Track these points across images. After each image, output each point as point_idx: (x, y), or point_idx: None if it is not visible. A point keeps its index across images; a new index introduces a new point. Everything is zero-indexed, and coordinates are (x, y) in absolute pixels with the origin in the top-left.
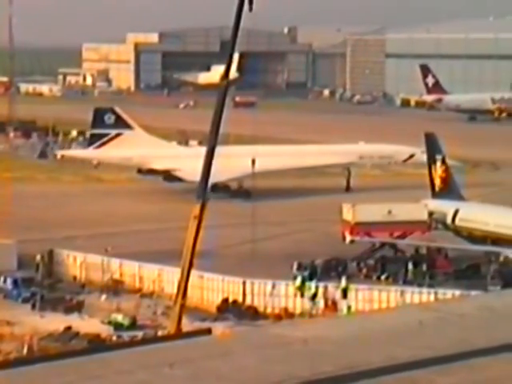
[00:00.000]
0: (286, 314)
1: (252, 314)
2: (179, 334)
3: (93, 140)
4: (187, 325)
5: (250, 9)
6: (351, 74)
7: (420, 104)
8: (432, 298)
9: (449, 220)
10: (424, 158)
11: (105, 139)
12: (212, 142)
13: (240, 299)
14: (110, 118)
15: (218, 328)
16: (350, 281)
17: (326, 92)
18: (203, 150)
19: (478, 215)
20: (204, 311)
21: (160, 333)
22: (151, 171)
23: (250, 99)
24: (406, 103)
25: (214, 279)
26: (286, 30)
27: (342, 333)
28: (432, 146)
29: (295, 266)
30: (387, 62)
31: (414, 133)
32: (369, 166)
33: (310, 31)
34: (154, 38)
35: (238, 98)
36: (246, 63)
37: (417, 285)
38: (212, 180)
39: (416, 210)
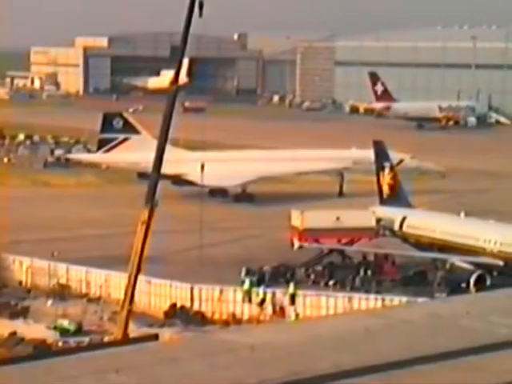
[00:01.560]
0: (234, 320)
1: (199, 319)
2: (126, 340)
3: (101, 144)
4: (134, 330)
5: (200, 14)
6: (301, 80)
7: (369, 111)
8: (379, 304)
9: (396, 227)
10: (413, 163)
11: (113, 144)
12: (161, 146)
13: (188, 305)
14: (118, 123)
15: (165, 334)
16: (298, 287)
17: (276, 98)
18: (209, 154)
19: (425, 222)
20: (151, 317)
21: (106, 338)
22: (168, 176)
23: (200, 104)
24: (354, 110)
25: (162, 285)
26: (236, 37)
27: (290, 339)
28: (380, 154)
29: (243, 272)
30: (336, 69)
31: (363, 139)
32: (362, 171)
33: (260, 38)
34: (103, 42)
35: (187, 103)
36: (196, 69)
37: (364, 291)
38: (225, 184)
39: (364, 216)
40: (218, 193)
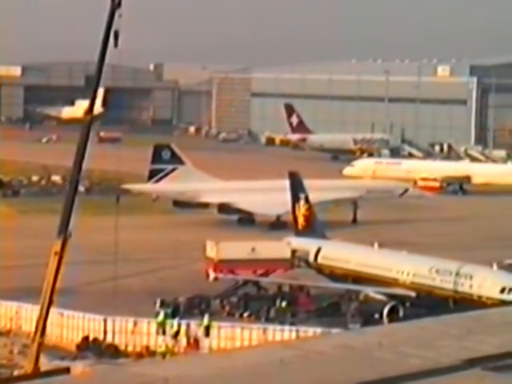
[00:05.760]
0: (148, 352)
1: (112, 352)
2: (37, 374)
3: (152, 174)
4: (45, 364)
5: (116, 44)
6: (217, 111)
7: (284, 143)
8: (294, 335)
9: (311, 258)
10: (416, 192)
11: (162, 174)
12: (75, 177)
13: (101, 337)
14: (166, 154)
15: (78, 367)
16: (213, 318)
17: (192, 129)
18: (250, 184)
19: (339, 254)
20: (63, 349)
21: (17, 372)
22: (203, 205)
23: (115, 135)
24: (270, 142)
25: (75, 317)
26: (151, 67)
27: (204, 371)
28: (296, 185)
29: (158, 304)
30: (253, 100)
31: (279, 171)
32: (374, 199)
33: (176, 68)
34: (16, 70)
35: (102, 133)
36: (111, 99)
37: (279, 322)
38: (270, 213)
39: (279, 247)
40: (246, 221)
